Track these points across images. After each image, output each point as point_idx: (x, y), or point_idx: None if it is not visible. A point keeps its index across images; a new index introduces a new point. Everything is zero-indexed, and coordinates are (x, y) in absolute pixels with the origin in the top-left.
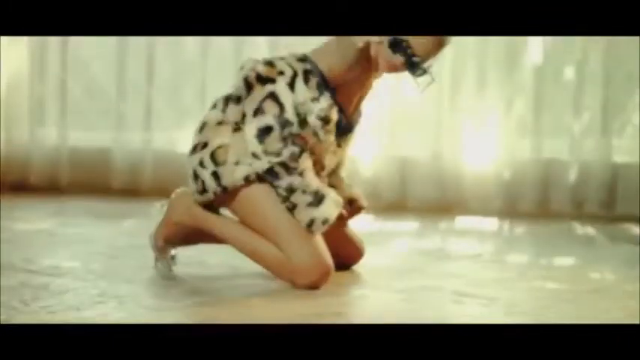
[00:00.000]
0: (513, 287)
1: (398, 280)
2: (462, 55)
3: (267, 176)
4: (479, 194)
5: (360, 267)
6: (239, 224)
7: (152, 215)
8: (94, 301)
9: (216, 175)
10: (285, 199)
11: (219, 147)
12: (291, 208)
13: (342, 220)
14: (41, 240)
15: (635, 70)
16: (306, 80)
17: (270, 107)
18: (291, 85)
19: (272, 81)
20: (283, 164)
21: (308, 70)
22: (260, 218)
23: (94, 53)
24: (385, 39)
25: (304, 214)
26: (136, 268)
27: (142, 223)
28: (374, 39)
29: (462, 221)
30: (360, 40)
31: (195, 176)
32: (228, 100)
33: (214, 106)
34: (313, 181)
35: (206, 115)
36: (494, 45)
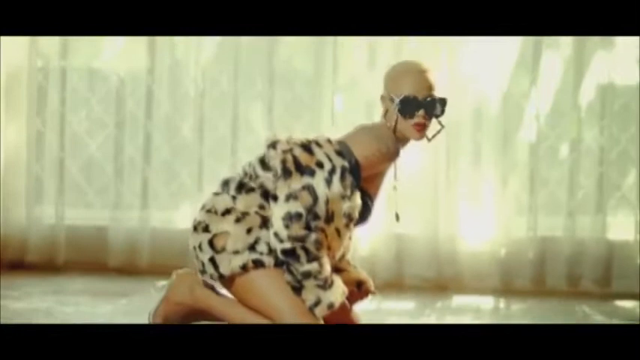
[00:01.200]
0: None
1: None
2: (457, 132)
3: (288, 257)
4: (475, 272)
5: None
6: (239, 304)
7: (149, 294)
8: None
9: (213, 262)
10: (297, 281)
11: (219, 234)
12: (299, 288)
13: (345, 307)
14: (39, 319)
15: (629, 147)
16: (343, 178)
17: (305, 198)
18: (329, 181)
19: (311, 173)
20: (305, 249)
21: (345, 168)
22: (261, 301)
23: (91, 132)
24: (395, 113)
25: (312, 294)
26: None
27: (139, 301)
28: (391, 117)
29: (459, 300)
30: (388, 122)
31: (196, 256)
32: (241, 187)
33: (225, 187)
34: (327, 269)
35: (215, 197)
36: (489, 122)
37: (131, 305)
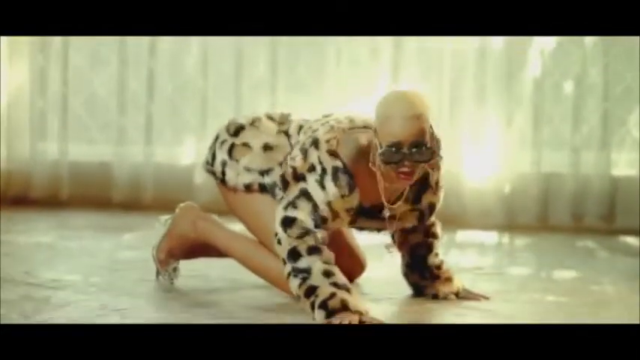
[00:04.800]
0: (514, 300)
1: (398, 293)
2: (461, 69)
3: (290, 257)
4: (479, 208)
5: (361, 279)
6: (242, 238)
7: (153, 228)
8: (95, 314)
9: (224, 165)
10: (303, 279)
11: (242, 145)
12: (315, 288)
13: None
14: (42, 253)
15: (634, 84)
16: (335, 178)
17: (304, 205)
18: (321, 184)
19: (304, 178)
20: (302, 246)
21: (336, 168)
22: (263, 229)
23: (94, 68)
24: (378, 160)
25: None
26: (138, 281)
27: (143, 236)
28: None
29: (463, 235)
30: (362, 139)
31: (213, 147)
32: (287, 134)
33: (272, 118)
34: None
35: (265, 120)
36: (494, 59)
37: (134, 240)
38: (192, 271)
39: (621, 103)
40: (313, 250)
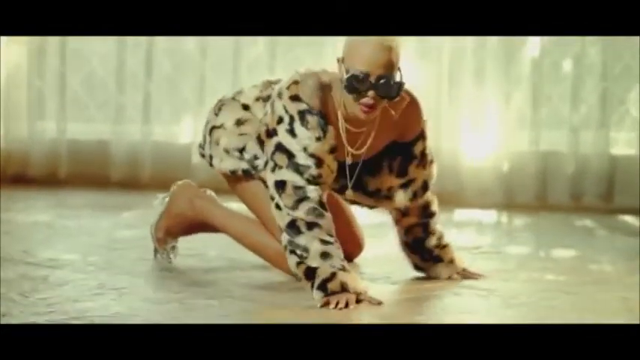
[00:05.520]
0: (512, 279)
1: (396, 272)
2: (461, 48)
3: (288, 230)
4: (477, 187)
5: (358, 258)
6: (239, 216)
7: (151, 207)
8: (93, 293)
9: (210, 148)
10: (301, 258)
11: (219, 126)
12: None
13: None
14: (40, 232)
15: (633, 63)
16: (304, 122)
17: (281, 159)
18: (292, 132)
19: (276, 133)
20: (301, 220)
21: (302, 111)
22: (262, 209)
23: (93, 47)
24: (342, 87)
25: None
26: (136, 260)
27: (141, 214)
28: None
29: (461, 214)
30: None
31: (204, 129)
32: (267, 99)
33: (256, 86)
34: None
35: (248, 89)
36: (493, 38)
37: (133, 219)
38: (191, 250)
39: (620, 82)
40: (312, 225)
